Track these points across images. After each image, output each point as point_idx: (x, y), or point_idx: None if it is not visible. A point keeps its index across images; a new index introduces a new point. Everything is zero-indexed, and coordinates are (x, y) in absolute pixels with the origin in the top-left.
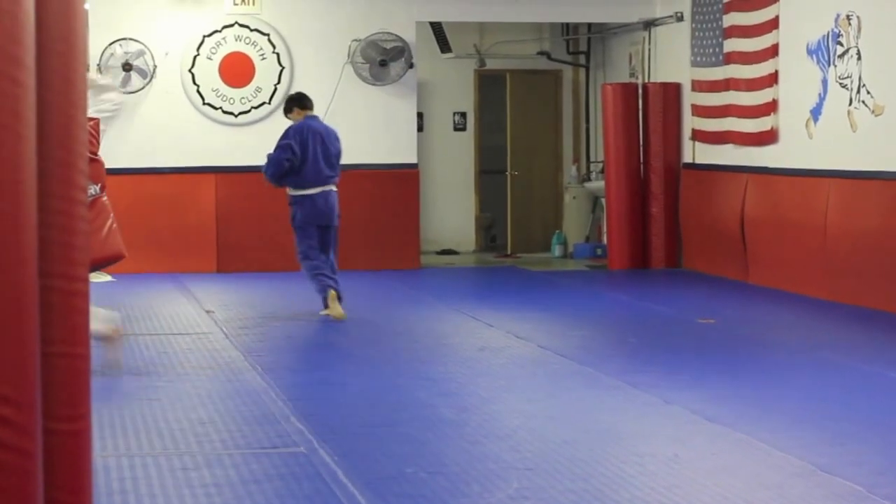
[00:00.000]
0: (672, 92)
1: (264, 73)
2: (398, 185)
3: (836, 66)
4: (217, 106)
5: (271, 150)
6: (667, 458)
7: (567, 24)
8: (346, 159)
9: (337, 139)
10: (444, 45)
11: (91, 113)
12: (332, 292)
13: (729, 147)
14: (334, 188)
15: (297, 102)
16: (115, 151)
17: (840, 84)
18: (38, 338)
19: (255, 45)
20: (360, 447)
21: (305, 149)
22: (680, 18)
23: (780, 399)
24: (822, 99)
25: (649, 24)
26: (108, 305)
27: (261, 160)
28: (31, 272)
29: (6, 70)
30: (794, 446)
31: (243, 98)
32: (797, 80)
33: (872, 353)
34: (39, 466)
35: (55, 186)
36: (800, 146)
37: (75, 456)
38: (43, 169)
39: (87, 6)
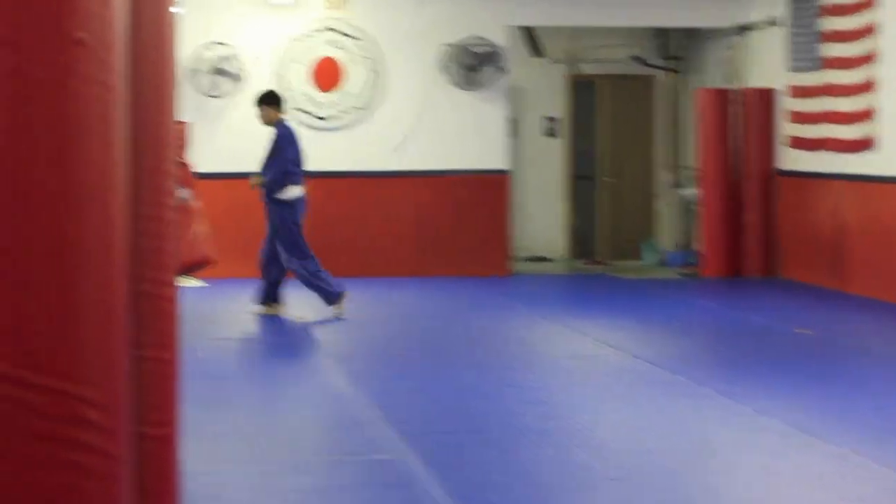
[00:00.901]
0: (766, 97)
1: (355, 78)
2: (489, 190)
3: None
4: (307, 110)
5: (278, 161)
6: (758, 469)
7: (660, 29)
8: (437, 164)
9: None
10: (536, 50)
11: None
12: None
13: (826, 154)
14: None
15: (279, 103)
16: (205, 156)
17: None
18: (127, 342)
19: (346, 50)
20: (449, 454)
21: (299, 152)
22: (775, 23)
23: (878, 411)
24: None
25: (744, 29)
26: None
27: (350, 165)
28: (122, 276)
29: (97, 75)
30: (892, 460)
31: (334, 103)
32: None
33: None
34: (126, 470)
35: (145, 191)
36: None
37: (164, 461)
38: (133, 174)
39: (177, 11)
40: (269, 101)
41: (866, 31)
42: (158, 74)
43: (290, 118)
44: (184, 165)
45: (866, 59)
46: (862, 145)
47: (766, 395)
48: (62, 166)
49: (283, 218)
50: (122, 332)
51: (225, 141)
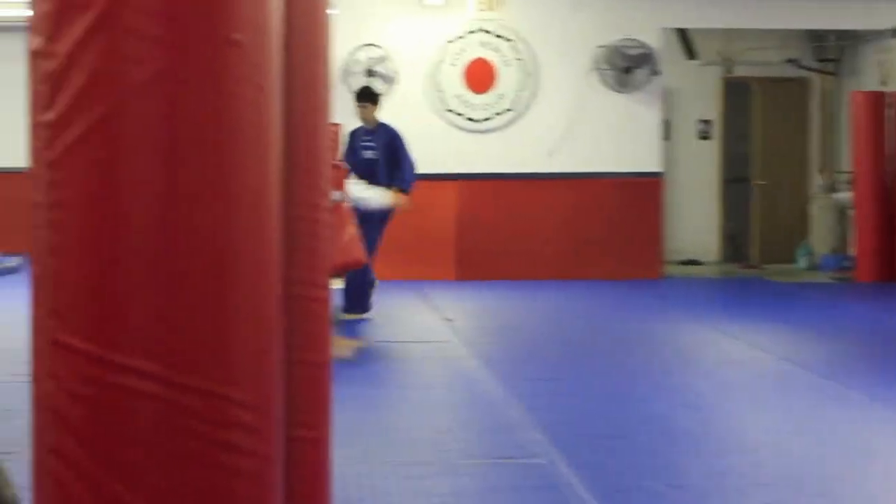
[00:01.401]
0: None
1: (508, 80)
2: (642, 193)
3: None
4: (460, 112)
5: (407, 160)
6: None
7: (816, 31)
8: (589, 167)
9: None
10: (690, 52)
11: None
12: None
13: None
14: None
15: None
16: None
17: None
18: (280, 344)
19: (499, 52)
20: (599, 458)
21: None
22: None
23: None
24: None
25: None
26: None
27: (503, 167)
28: (275, 279)
29: (252, 77)
30: None
31: (486, 104)
32: None
33: None
34: (279, 473)
35: (300, 193)
36: None
37: (315, 463)
38: (287, 176)
39: (331, 13)
40: (375, 99)
41: None
42: (313, 76)
43: (443, 120)
44: (337, 167)
45: None
46: None
47: None
48: (216, 167)
49: (384, 218)
50: (274, 335)
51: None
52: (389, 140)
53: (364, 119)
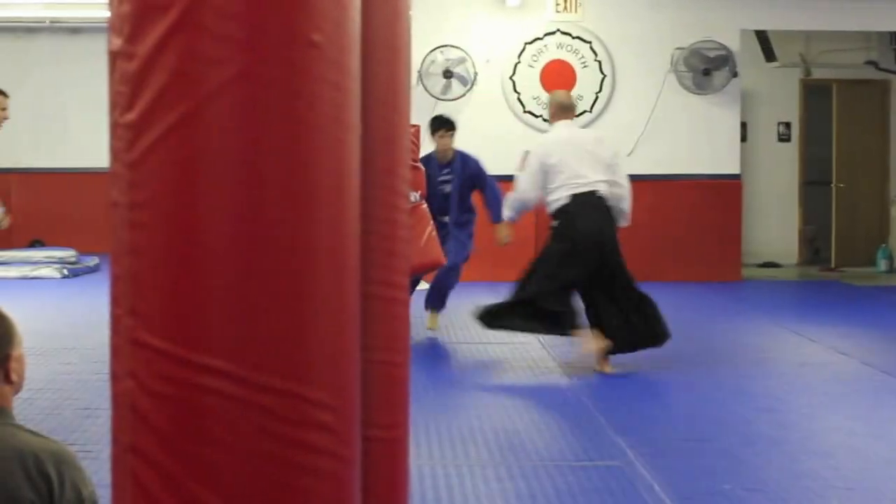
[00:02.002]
0: None
1: (586, 81)
2: (720, 195)
3: None
4: (538, 114)
5: (493, 186)
6: None
7: (895, 33)
8: (668, 168)
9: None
10: (769, 54)
11: None
12: None
13: None
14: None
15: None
16: None
17: None
18: (359, 344)
19: (577, 53)
20: (677, 462)
21: None
22: None
23: None
24: None
25: None
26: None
27: None
28: (354, 279)
29: (331, 77)
30: None
31: None
32: None
33: None
34: (357, 474)
35: (378, 193)
36: None
37: (392, 464)
38: (366, 176)
39: (410, 13)
40: (454, 126)
41: None
42: (392, 76)
43: (521, 122)
44: (417, 168)
45: None
46: None
47: None
48: (295, 167)
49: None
50: (353, 335)
51: (456, 144)
52: (472, 171)
53: (444, 149)
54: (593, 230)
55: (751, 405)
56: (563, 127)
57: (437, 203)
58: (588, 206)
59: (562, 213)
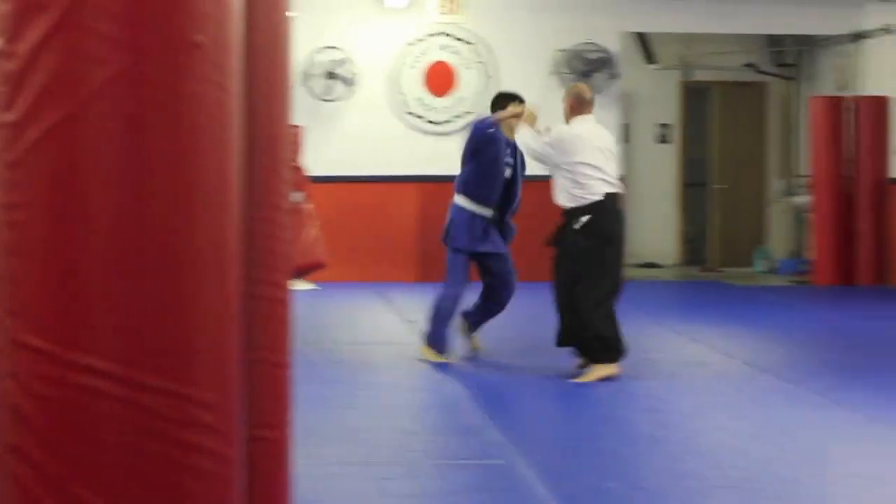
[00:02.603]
0: (881, 105)
1: (468, 83)
2: None
3: None
4: (420, 115)
5: None
6: (871, 478)
7: (774, 36)
8: (546, 170)
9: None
10: (649, 56)
11: None
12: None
13: None
14: (456, 200)
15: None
16: (318, 160)
17: None
18: (240, 345)
19: (460, 55)
20: (560, 461)
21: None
22: (889, 31)
23: None
24: None
25: (858, 37)
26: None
27: None
28: (235, 279)
29: (213, 78)
30: None
31: (446, 107)
32: None
33: None
34: (240, 473)
35: (259, 194)
36: None
37: (275, 463)
38: (247, 176)
39: (292, 14)
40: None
41: None
42: (273, 77)
43: (404, 122)
44: (298, 169)
45: None
46: None
47: (878, 404)
48: (177, 167)
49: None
50: (235, 335)
51: (338, 145)
52: (522, 161)
53: (513, 129)
54: (623, 231)
55: (634, 404)
56: (586, 122)
57: (495, 190)
58: (618, 206)
59: (597, 209)
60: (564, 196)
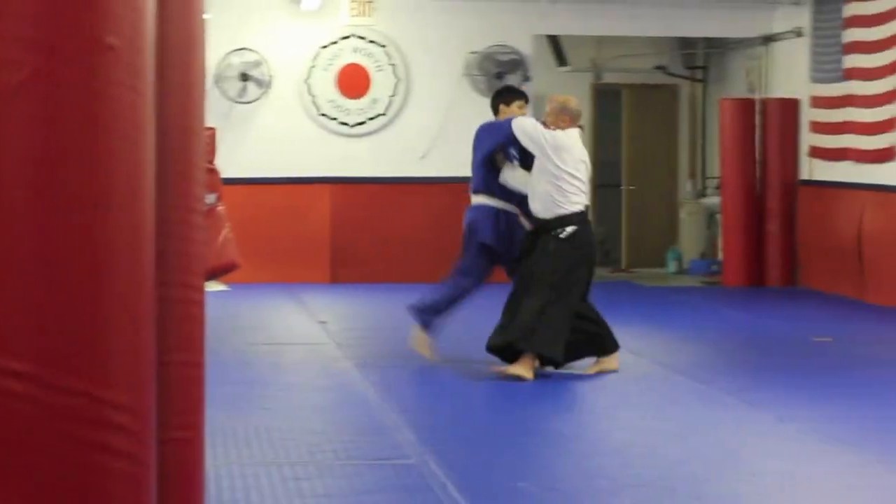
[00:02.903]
0: (790, 108)
1: (380, 85)
2: None
3: None
4: (333, 117)
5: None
6: (781, 476)
7: (684, 39)
8: (460, 171)
9: (487, 135)
10: (561, 59)
11: None
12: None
13: (847, 164)
14: (476, 199)
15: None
16: (231, 161)
17: None
18: (154, 346)
19: (372, 57)
20: (472, 460)
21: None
22: (799, 34)
23: None
24: None
25: (768, 40)
26: None
27: (376, 171)
28: (149, 280)
29: (127, 80)
30: None
31: (359, 109)
32: None
33: None
34: (153, 475)
35: (173, 196)
36: None
37: (188, 464)
38: (161, 178)
39: (206, 16)
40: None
41: (890, 42)
42: (187, 79)
43: (317, 124)
44: (212, 170)
45: (889, 70)
46: (883, 156)
47: (787, 403)
48: (91, 169)
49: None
50: (149, 336)
51: (251, 147)
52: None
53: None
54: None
55: (546, 404)
56: (575, 135)
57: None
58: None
59: (580, 220)
60: (545, 205)
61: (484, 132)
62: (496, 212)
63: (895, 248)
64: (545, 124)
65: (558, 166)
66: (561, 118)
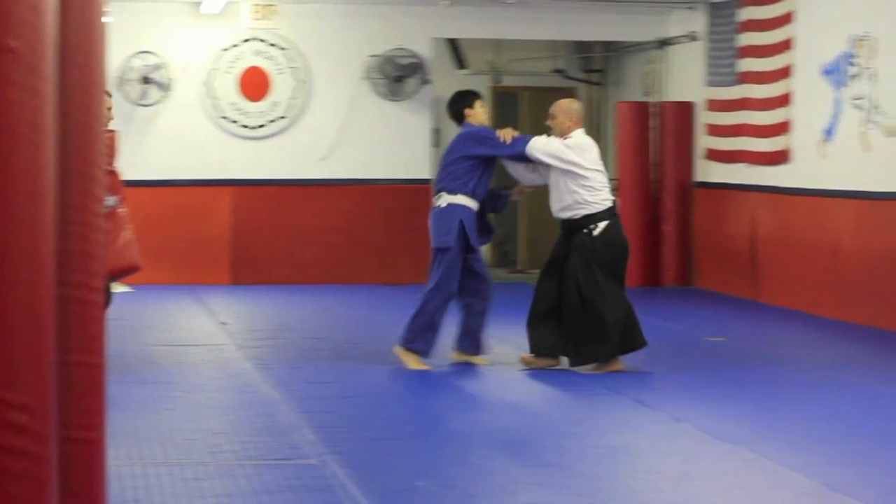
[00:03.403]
0: (685, 111)
1: (281, 88)
2: (412, 200)
3: (849, 86)
4: (234, 119)
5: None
6: (676, 475)
7: (582, 42)
8: (362, 173)
9: (462, 140)
10: (460, 62)
11: None
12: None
13: (742, 166)
14: (439, 202)
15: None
16: (133, 163)
17: (854, 104)
18: (54, 346)
19: (273, 60)
20: (372, 459)
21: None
22: (694, 38)
23: (790, 417)
24: (835, 119)
25: (664, 43)
26: None
27: (278, 174)
28: (49, 281)
29: (26, 81)
30: (803, 465)
31: (260, 112)
32: (811, 100)
33: (883, 373)
34: (54, 474)
35: (73, 197)
36: (813, 166)
37: (90, 464)
38: (61, 179)
39: (107, 19)
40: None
41: (783, 47)
42: (88, 81)
43: (218, 127)
44: (113, 172)
45: (783, 74)
46: (776, 158)
47: (681, 402)
48: None
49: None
50: (49, 337)
51: (153, 149)
52: None
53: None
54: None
55: (443, 403)
56: (583, 134)
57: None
58: None
59: (612, 214)
60: (576, 205)
61: (467, 140)
62: (473, 213)
63: (787, 249)
64: (549, 131)
65: (585, 167)
66: (570, 118)
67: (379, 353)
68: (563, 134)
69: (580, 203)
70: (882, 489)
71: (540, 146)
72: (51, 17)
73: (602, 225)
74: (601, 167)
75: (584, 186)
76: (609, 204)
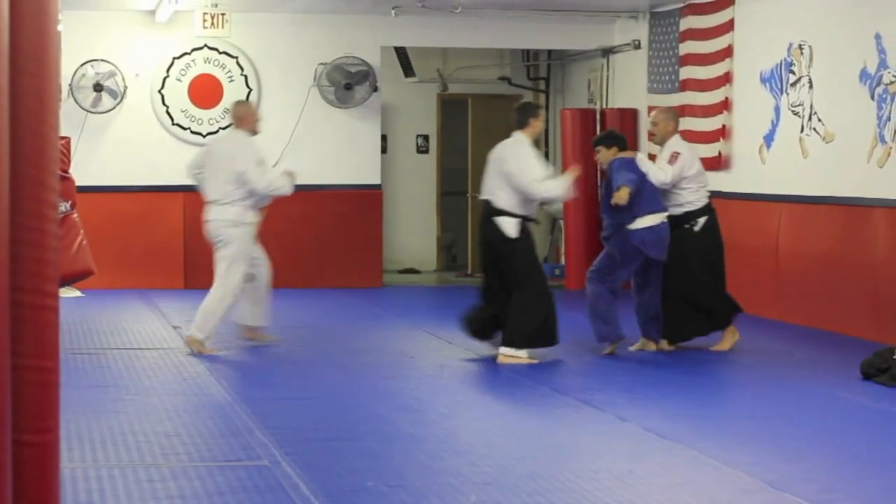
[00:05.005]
0: (629, 117)
1: (232, 95)
2: (362, 205)
3: (788, 94)
4: (186, 126)
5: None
6: (621, 474)
7: (528, 51)
8: (311, 180)
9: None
10: (408, 70)
11: None
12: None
13: None
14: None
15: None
16: (86, 170)
17: (792, 111)
18: (7, 351)
19: (224, 68)
20: (323, 461)
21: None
22: (637, 46)
23: (732, 417)
24: (774, 126)
25: (607, 52)
26: None
27: None
28: (2, 286)
29: None
30: (745, 463)
31: (211, 119)
32: (751, 107)
33: (821, 373)
34: (8, 478)
35: (26, 203)
36: (753, 171)
37: (43, 467)
38: (14, 186)
39: (59, 27)
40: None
41: (723, 55)
42: (41, 89)
43: (170, 134)
44: (66, 178)
45: (722, 81)
46: (716, 163)
47: (626, 402)
48: None
49: None
50: (2, 341)
51: (106, 156)
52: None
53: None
54: None
55: (393, 405)
56: (680, 139)
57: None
58: None
59: (711, 210)
60: (682, 204)
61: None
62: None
63: (729, 253)
64: (651, 136)
65: (698, 170)
66: (671, 125)
67: (329, 357)
68: (664, 139)
69: (686, 202)
70: (822, 486)
71: (671, 171)
72: (3, 23)
73: (702, 221)
74: (701, 168)
75: (688, 190)
76: (707, 201)
